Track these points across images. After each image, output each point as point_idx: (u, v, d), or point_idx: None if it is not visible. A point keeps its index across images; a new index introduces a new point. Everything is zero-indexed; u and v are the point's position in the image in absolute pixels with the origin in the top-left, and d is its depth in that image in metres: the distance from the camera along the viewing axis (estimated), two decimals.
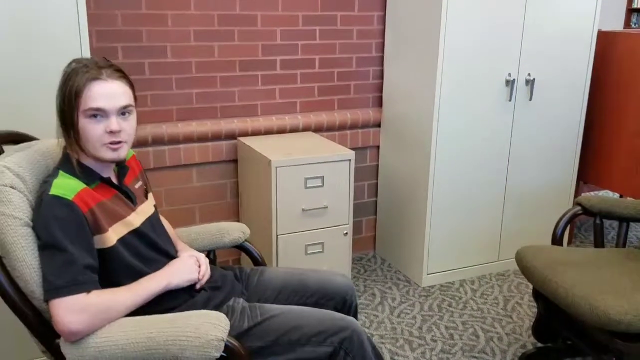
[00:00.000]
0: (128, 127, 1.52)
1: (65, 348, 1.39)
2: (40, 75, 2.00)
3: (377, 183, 3.45)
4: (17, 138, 1.74)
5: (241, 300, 1.72)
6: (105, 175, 1.57)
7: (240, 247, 2.02)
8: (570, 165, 3.32)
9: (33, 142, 1.67)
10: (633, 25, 6.44)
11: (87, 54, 2.06)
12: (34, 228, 1.43)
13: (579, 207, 2.44)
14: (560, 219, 2.42)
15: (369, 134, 3.31)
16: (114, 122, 1.48)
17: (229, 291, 1.73)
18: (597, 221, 2.42)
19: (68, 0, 2.00)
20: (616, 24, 6.06)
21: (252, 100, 3.00)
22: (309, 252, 2.72)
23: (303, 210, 2.66)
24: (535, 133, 3.15)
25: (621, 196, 3.79)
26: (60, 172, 1.49)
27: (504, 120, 3.04)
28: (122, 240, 1.52)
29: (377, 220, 3.50)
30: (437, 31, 2.76)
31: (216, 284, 1.71)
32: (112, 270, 1.49)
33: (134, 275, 1.52)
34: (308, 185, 2.65)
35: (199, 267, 1.68)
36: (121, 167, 1.64)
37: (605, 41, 3.23)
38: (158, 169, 2.82)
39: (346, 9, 3.09)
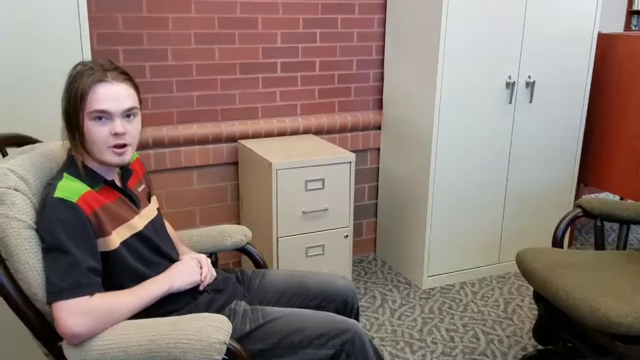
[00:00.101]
0: (133, 129, 1.53)
1: (68, 351, 1.39)
2: (40, 76, 2.00)
3: (377, 185, 3.45)
4: (20, 140, 1.74)
5: (243, 303, 1.72)
6: (109, 178, 1.57)
7: (242, 250, 2.02)
8: (570, 168, 3.33)
9: (37, 145, 1.67)
10: (633, 28, 6.45)
11: (88, 56, 2.06)
12: (37, 230, 1.43)
13: (579, 210, 2.44)
14: (561, 221, 2.42)
15: (369, 136, 3.32)
16: (119, 125, 1.48)
17: (231, 294, 1.73)
18: (598, 223, 2.42)
19: (69, 0, 2.00)
20: (616, 26, 6.07)
21: (253, 103, 3.01)
22: (309, 254, 2.72)
23: (303, 212, 2.66)
24: (536, 135, 3.15)
25: (622, 198, 3.80)
26: (65, 174, 1.50)
27: (504, 122, 3.05)
28: (125, 243, 1.52)
29: (378, 222, 3.51)
30: (438, 34, 2.77)
31: (218, 287, 1.71)
32: (115, 273, 1.50)
33: (137, 278, 1.53)
34: (308, 188, 2.65)
35: (201, 268, 1.68)
36: (125, 170, 1.64)
37: (605, 43, 3.24)
38: (159, 171, 2.83)
39: (346, 11, 3.10)
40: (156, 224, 1.69)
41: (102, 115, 1.47)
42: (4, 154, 1.68)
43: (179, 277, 1.59)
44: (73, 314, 1.35)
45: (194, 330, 1.39)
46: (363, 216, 3.47)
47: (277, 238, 2.64)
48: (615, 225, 2.63)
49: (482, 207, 3.14)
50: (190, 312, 1.53)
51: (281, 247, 2.66)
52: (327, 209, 2.71)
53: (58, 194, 1.42)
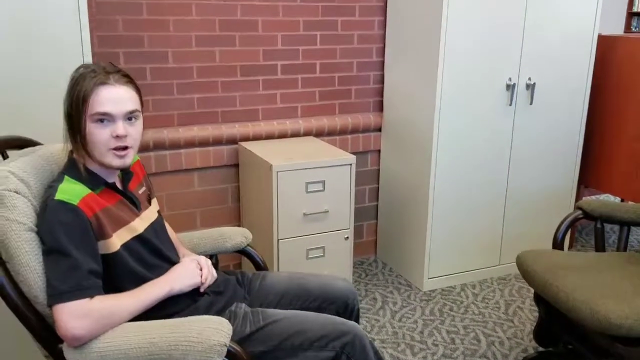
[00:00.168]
0: (134, 132, 1.53)
1: (68, 353, 1.39)
2: (40, 76, 2.00)
3: (378, 187, 3.45)
4: (21, 143, 1.75)
5: (243, 305, 1.72)
6: (110, 180, 1.57)
7: (243, 252, 2.03)
8: (571, 170, 3.33)
9: (37, 147, 1.67)
10: (633, 29, 6.45)
11: (89, 58, 2.07)
12: (38, 233, 1.43)
13: (579, 212, 2.44)
14: (561, 223, 2.42)
15: (369, 138, 3.32)
16: (121, 127, 1.49)
17: (231, 296, 1.73)
18: (598, 225, 2.43)
19: (69, 1, 2.00)
20: (617, 28, 6.07)
21: (254, 105, 3.01)
22: (310, 256, 2.72)
23: (304, 214, 2.66)
24: (536, 137, 3.15)
25: (622, 200, 3.79)
26: (66, 177, 1.50)
27: (504, 124, 3.05)
28: (125, 245, 1.52)
29: (378, 224, 3.51)
30: (438, 36, 2.77)
31: (218, 289, 1.72)
32: (115, 275, 1.50)
33: (137, 280, 1.53)
34: (309, 190, 2.65)
35: (201, 270, 1.68)
36: (126, 172, 1.64)
37: (605, 45, 3.24)
38: (159, 173, 2.83)
39: (347, 14, 3.10)
40: (157, 227, 1.69)
41: (104, 118, 1.47)
42: (5, 157, 1.68)
43: (179, 280, 1.59)
44: (73, 316, 1.36)
45: (194, 333, 1.39)
46: (364, 218, 3.48)
47: (278, 240, 2.64)
48: (616, 227, 2.63)
49: (482, 209, 3.14)
50: (191, 315, 1.53)
51: (282, 249, 2.66)
52: (328, 211, 2.71)
53: (59, 196, 1.42)
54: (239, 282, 1.83)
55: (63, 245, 1.38)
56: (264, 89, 3.01)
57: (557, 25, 3.02)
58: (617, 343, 1.91)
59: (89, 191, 1.49)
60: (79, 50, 2.05)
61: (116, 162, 1.51)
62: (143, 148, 2.71)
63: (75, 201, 1.43)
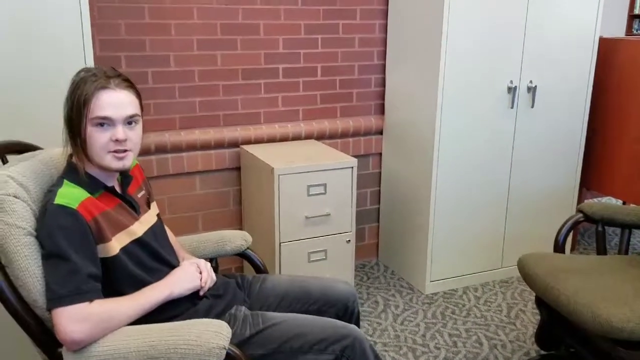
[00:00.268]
0: (134, 136, 1.54)
1: (68, 357, 1.39)
2: (40, 77, 2.00)
3: (379, 190, 3.45)
4: (21, 148, 1.75)
5: (243, 308, 1.72)
6: (109, 184, 1.58)
7: (243, 255, 2.03)
8: (572, 172, 3.32)
9: (37, 152, 1.67)
10: (635, 31, 6.44)
11: (90, 62, 2.07)
12: (37, 237, 1.43)
13: (580, 215, 2.43)
14: (562, 226, 2.41)
15: (371, 141, 3.32)
16: (120, 131, 1.49)
17: (231, 299, 1.73)
18: (599, 228, 2.42)
19: (70, 1, 2.01)
20: (618, 30, 6.07)
21: (255, 108, 3.01)
22: (311, 259, 2.72)
23: (306, 217, 2.66)
24: (538, 139, 3.15)
25: (624, 203, 3.78)
26: (65, 181, 1.50)
27: (506, 126, 3.05)
28: (124, 249, 1.53)
29: (380, 227, 3.50)
30: (439, 40, 2.77)
31: (218, 292, 1.72)
32: (114, 279, 1.50)
33: (137, 284, 1.53)
34: (311, 193, 2.66)
35: (201, 273, 1.69)
36: (125, 176, 1.64)
37: (606, 48, 3.24)
38: (161, 176, 2.83)
39: (348, 17, 3.11)
40: (156, 230, 1.69)
41: (104, 122, 1.48)
42: (4, 161, 1.68)
43: (178, 284, 1.59)
44: (73, 320, 1.36)
45: (193, 336, 1.39)
46: (365, 221, 3.47)
47: (280, 243, 2.64)
48: (618, 230, 2.63)
49: (484, 212, 3.14)
50: (190, 318, 1.53)
51: (283, 252, 2.66)
52: (329, 214, 2.71)
53: (58, 200, 1.43)
54: (238, 285, 1.84)
55: (62, 250, 1.39)
56: (265, 92, 3.02)
57: (558, 27, 3.02)
58: (619, 346, 1.90)
59: (88, 195, 1.49)
60: (79, 50, 2.05)
61: (115, 164, 1.52)
62: (145, 151, 2.72)
63: (74, 205, 1.43)
